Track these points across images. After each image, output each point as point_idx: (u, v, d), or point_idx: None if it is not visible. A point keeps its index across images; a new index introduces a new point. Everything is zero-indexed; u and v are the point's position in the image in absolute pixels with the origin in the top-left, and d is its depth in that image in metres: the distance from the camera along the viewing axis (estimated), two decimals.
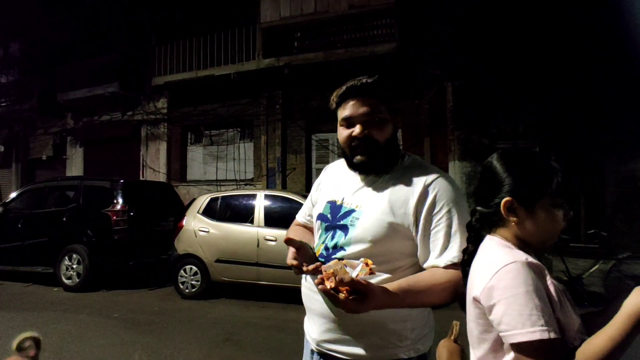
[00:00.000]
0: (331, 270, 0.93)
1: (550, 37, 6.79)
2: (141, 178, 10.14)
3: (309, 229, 1.41)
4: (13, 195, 7.30)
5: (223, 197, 5.85)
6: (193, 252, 5.52)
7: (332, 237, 1.20)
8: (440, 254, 1.10)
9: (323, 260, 1.19)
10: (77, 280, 5.91)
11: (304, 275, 1.28)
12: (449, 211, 1.11)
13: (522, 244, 0.91)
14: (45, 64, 10.97)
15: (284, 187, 8.85)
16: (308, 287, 1.26)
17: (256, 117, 9.37)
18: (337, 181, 1.31)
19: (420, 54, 7.79)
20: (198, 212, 5.70)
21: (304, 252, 1.18)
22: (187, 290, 5.52)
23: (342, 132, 1.21)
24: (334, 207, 1.24)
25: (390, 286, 1.01)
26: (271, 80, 8.87)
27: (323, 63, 8.23)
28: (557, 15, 6.70)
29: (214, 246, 5.41)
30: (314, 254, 1.22)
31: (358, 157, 1.19)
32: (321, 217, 1.27)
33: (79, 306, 5.14)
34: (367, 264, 1.00)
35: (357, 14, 8.09)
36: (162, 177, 10.00)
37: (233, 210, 5.75)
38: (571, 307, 0.86)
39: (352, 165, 1.23)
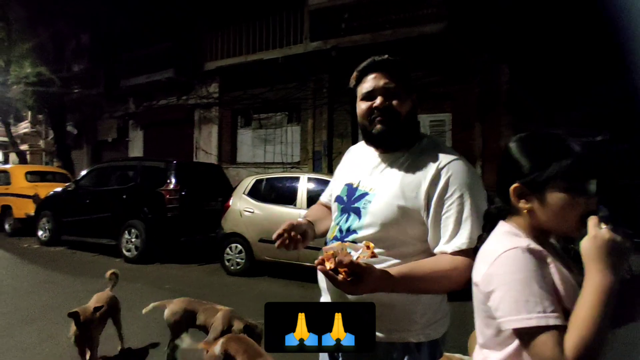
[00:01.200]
0: (331, 252, 0.94)
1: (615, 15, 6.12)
2: (194, 159, 10.69)
3: (329, 208, 1.42)
4: (83, 173, 8.04)
5: (268, 179, 6.03)
6: (238, 231, 5.77)
7: (347, 220, 1.22)
8: (449, 239, 1.08)
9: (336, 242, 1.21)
10: (136, 252, 6.43)
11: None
12: (461, 196, 1.08)
13: (537, 233, 0.86)
14: (110, 53, 11.80)
15: (329, 171, 8.89)
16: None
17: (303, 101, 9.44)
18: (356, 162, 1.32)
19: (472, 34, 7.36)
20: (244, 193, 5.92)
21: (296, 228, 1.25)
22: (232, 267, 5.81)
23: (362, 106, 1.20)
24: (350, 189, 1.26)
25: (391, 270, 1.01)
26: (318, 64, 8.85)
27: (370, 45, 8.05)
28: None
29: (258, 226, 5.61)
30: (310, 230, 1.29)
31: (378, 127, 1.18)
32: (338, 199, 1.29)
33: (136, 276, 5.59)
34: (368, 247, 0.99)
35: None
36: (213, 159, 10.46)
37: (277, 192, 5.91)
38: None
39: (371, 138, 1.22)
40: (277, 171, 8.87)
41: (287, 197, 5.73)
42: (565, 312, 0.76)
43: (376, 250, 1.12)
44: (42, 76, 11.18)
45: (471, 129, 7.89)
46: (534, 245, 0.81)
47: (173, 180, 6.38)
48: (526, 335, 0.75)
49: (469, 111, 7.82)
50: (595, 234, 0.74)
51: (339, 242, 1.06)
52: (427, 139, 1.24)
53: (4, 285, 5.12)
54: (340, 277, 0.90)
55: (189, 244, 6.58)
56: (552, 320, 0.73)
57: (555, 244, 0.97)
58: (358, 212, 1.19)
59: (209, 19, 10.33)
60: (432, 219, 1.10)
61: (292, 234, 1.24)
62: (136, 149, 12.30)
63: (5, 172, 9.54)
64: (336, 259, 0.91)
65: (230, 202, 5.96)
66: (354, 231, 1.18)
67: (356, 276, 0.91)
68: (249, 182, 6.00)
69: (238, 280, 5.56)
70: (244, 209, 5.78)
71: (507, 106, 7.52)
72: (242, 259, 5.77)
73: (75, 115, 13.65)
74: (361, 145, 1.37)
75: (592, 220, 0.76)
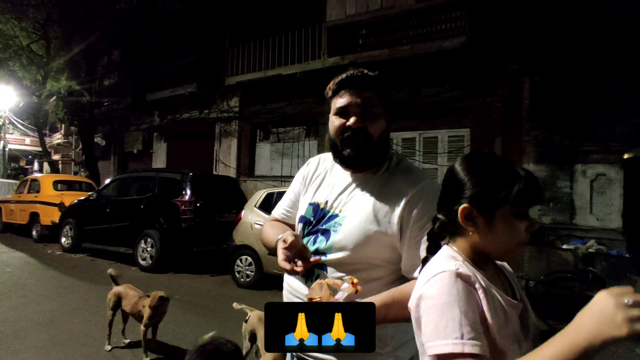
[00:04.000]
0: (318, 297, 0.90)
1: None
2: (214, 172, 10.90)
3: (288, 225, 1.35)
4: (105, 183, 8.34)
5: (279, 193, 6.04)
6: (248, 244, 5.80)
7: (314, 242, 1.17)
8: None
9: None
10: (151, 262, 6.56)
11: (285, 276, 1.26)
12: None
13: (478, 256, 0.83)
14: (138, 68, 12.31)
15: None
16: (289, 290, 1.25)
17: (321, 115, 9.50)
18: (322, 180, 1.27)
19: (494, 48, 7.24)
20: (255, 206, 5.96)
21: (294, 244, 1.10)
22: (242, 280, 5.83)
23: (335, 122, 1.16)
24: (317, 210, 1.21)
25: (374, 300, 0.96)
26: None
27: (388, 60, 8.08)
28: None
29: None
30: (304, 245, 1.16)
31: (348, 150, 1.14)
32: (303, 219, 1.24)
33: (149, 285, 5.67)
34: (352, 283, 0.96)
35: (425, 8, 7.80)
36: (232, 172, 10.63)
37: None
38: (522, 335, 0.77)
39: (341, 159, 1.18)
40: None
41: None
42: (494, 343, 0.71)
43: (341, 274, 1.09)
44: (73, 90, 11.76)
45: (491, 145, 7.71)
46: (464, 269, 0.77)
47: (188, 192, 6.51)
48: None
49: (489, 126, 7.66)
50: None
51: (319, 280, 1.01)
52: (397, 158, 1.21)
53: (26, 289, 5.32)
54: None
55: (202, 254, 6.66)
56: (469, 347, 0.68)
57: (508, 268, 0.93)
58: (327, 234, 1.15)
59: (230, 35, 10.65)
60: (408, 245, 1.07)
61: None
62: (160, 161, 12.66)
63: (35, 180, 10.02)
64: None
65: (242, 215, 6.01)
66: (323, 254, 1.14)
67: None
68: (260, 195, 6.05)
69: (247, 292, 5.56)
70: (254, 221, 5.82)
71: (530, 120, 7.32)
72: (252, 271, 5.78)
73: (105, 128, 14.24)
74: (325, 159, 1.32)
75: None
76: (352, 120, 1.12)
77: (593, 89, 6.48)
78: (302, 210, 1.26)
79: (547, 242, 5.80)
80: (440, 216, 0.88)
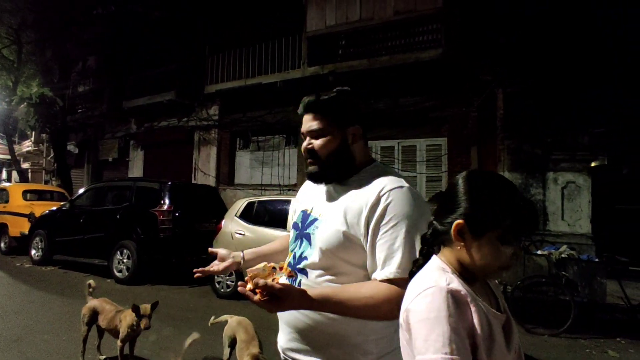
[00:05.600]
0: (253, 273, 1.03)
1: (620, 37, 6.22)
2: (193, 180, 10.73)
3: None
4: (79, 192, 8.08)
5: (260, 202, 6.02)
6: None
7: (300, 246, 1.22)
8: (381, 267, 1.07)
9: (290, 268, 1.23)
10: (127, 273, 6.37)
11: None
12: (396, 224, 1.07)
13: (462, 268, 0.86)
14: (114, 75, 12.06)
15: None
16: None
17: (301, 124, 9.53)
18: (312, 189, 1.33)
19: (469, 60, 7.49)
20: (236, 215, 5.91)
21: (223, 260, 1.47)
22: (222, 290, 5.74)
23: (302, 145, 1.27)
24: (305, 215, 1.27)
25: (312, 291, 1.02)
26: (316, 88, 8.96)
27: (367, 70, 8.21)
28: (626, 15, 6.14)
29: (249, 249, 5.55)
30: (238, 261, 1.47)
31: (309, 168, 1.25)
32: (294, 225, 1.30)
33: (125, 298, 5.52)
34: (281, 268, 1.13)
35: (403, 20, 7.99)
36: (211, 180, 10.50)
37: (269, 215, 5.89)
38: (506, 346, 0.80)
39: (306, 176, 1.30)
40: (273, 193, 8.89)
41: (278, 220, 5.69)
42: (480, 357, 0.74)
43: (324, 278, 1.15)
44: (45, 97, 11.41)
45: (467, 153, 7.92)
46: (454, 284, 0.80)
47: (167, 201, 6.38)
48: None
49: (465, 135, 7.87)
50: None
51: (265, 263, 1.12)
52: (375, 166, 1.24)
53: None
54: (256, 297, 0.96)
55: (181, 265, 6.52)
56: None
57: (496, 283, 0.96)
58: (309, 238, 1.19)
59: (210, 43, 10.60)
60: (369, 246, 1.10)
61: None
62: (136, 169, 12.38)
63: (3, 190, 9.61)
64: (253, 280, 0.97)
65: (222, 224, 5.94)
66: (305, 257, 1.18)
67: (273, 296, 0.95)
68: (240, 204, 6.00)
69: (227, 303, 5.47)
70: (235, 231, 5.76)
71: (504, 130, 7.56)
72: (232, 281, 5.71)
73: (78, 135, 13.84)
74: None
75: None
76: (305, 142, 1.24)
77: (562, 100, 6.79)
78: (295, 216, 1.33)
79: (523, 248, 5.98)
80: (435, 222, 0.90)
